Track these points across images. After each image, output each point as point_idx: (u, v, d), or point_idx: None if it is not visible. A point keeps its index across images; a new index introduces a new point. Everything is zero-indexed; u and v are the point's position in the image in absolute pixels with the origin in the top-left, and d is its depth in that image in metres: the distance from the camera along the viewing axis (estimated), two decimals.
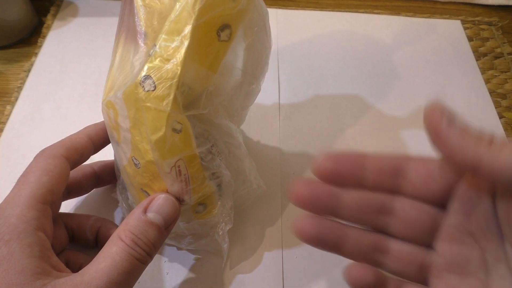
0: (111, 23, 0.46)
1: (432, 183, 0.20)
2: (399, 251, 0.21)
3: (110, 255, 0.22)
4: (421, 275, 0.21)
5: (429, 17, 0.50)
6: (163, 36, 0.21)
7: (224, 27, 0.22)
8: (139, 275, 0.23)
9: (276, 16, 0.48)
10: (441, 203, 0.21)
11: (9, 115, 0.38)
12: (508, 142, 0.17)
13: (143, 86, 0.21)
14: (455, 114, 0.18)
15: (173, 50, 0.21)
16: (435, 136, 0.18)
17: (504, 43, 0.48)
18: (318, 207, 0.21)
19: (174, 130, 0.22)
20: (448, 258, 0.20)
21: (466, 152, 0.17)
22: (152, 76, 0.21)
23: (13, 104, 0.39)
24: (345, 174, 0.21)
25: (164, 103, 0.21)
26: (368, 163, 0.21)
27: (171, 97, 0.21)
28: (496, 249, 0.19)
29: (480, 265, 0.19)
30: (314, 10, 0.50)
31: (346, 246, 0.21)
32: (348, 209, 0.21)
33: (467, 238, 0.19)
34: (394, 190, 0.21)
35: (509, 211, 0.18)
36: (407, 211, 0.21)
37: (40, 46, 0.44)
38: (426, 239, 0.21)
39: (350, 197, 0.21)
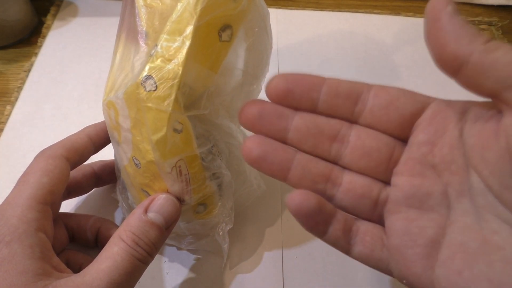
0: (111, 23, 0.46)
1: (393, 112, 0.19)
2: (352, 183, 0.19)
3: (111, 256, 0.22)
4: (375, 212, 0.20)
5: None
6: (164, 36, 0.21)
7: (225, 27, 0.22)
8: (140, 275, 0.23)
9: (276, 16, 0.48)
10: (400, 135, 0.19)
11: (9, 115, 0.38)
12: (505, 44, 0.16)
13: (144, 86, 0.21)
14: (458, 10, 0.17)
15: (174, 50, 0.21)
16: (433, 22, 0.17)
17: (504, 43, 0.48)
18: (267, 128, 0.19)
19: (175, 130, 0.22)
20: (407, 191, 0.18)
21: (460, 43, 0.16)
22: (153, 76, 0.21)
23: (13, 104, 0.39)
24: (299, 94, 0.19)
25: (165, 104, 0.21)
26: (326, 86, 0.19)
27: (173, 97, 0.21)
28: (460, 183, 0.17)
29: (442, 200, 0.18)
30: (314, 10, 0.50)
31: (293, 172, 0.19)
32: (298, 133, 0.19)
33: (429, 171, 0.18)
34: (352, 118, 0.20)
35: (481, 135, 0.16)
36: (363, 139, 0.19)
37: (40, 46, 0.43)
38: (382, 173, 0.19)
39: (302, 120, 0.19)
